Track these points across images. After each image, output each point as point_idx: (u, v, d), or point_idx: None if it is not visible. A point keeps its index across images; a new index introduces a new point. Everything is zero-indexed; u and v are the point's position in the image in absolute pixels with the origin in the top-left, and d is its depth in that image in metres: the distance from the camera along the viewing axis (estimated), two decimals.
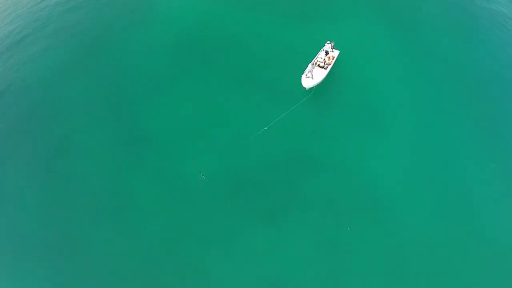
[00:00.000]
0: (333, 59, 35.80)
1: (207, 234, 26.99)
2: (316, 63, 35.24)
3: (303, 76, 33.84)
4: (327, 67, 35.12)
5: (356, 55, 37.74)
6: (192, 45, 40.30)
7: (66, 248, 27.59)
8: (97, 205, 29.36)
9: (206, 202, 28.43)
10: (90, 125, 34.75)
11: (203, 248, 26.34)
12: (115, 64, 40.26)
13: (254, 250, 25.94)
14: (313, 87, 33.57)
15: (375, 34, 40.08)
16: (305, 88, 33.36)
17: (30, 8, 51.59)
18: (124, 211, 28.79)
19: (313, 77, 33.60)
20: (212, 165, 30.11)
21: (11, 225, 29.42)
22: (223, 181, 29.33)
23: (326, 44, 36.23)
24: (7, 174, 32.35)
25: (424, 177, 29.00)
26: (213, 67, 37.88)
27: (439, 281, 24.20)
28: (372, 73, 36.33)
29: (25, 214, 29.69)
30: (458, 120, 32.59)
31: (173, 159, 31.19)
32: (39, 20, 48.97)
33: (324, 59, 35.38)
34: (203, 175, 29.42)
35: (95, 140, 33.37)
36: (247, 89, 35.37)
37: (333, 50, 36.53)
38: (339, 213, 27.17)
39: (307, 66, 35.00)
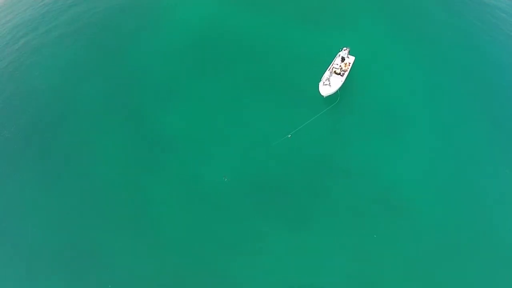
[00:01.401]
0: (349, 65, 35.56)
1: (231, 239, 27.03)
2: (332, 70, 35.01)
3: (321, 84, 33.60)
4: (343, 73, 34.91)
5: (371, 61, 37.63)
6: (207, 49, 39.84)
7: (84, 256, 27.34)
8: (116, 211, 29.08)
9: (229, 206, 28.45)
10: (105, 129, 34.24)
11: (227, 253, 26.41)
12: (128, 66, 39.57)
13: (280, 256, 26.08)
14: (331, 94, 33.41)
15: (389, 40, 39.99)
16: (322, 96, 33.14)
17: (33, 8, 50.16)
18: (144, 217, 28.57)
19: (330, 84, 33.39)
20: (234, 171, 30.01)
21: (26, 233, 28.96)
22: (247, 186, 29.34)
23: (342, 50, 35.88)
24: (20, 182, 31.71)
25: (444, 181, 29.45)
26: (229, 71, 37.52)
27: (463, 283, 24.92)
28: (388, 79, 36.34)
29: (39, 223, 29.23)
30: (475, 125, 32.98)
31: (193, 163, 31.02)
32: (44, 20, 47.79)
33: (340, 66, 35.14)
34: (225, 177, 29.42)
35: (111, 145, 32.93)
36: (265, 94, 35.14)
37: (349, 56, 36.26)
38: (363, 218, 27.54)
39: (323, 73, 34.82)
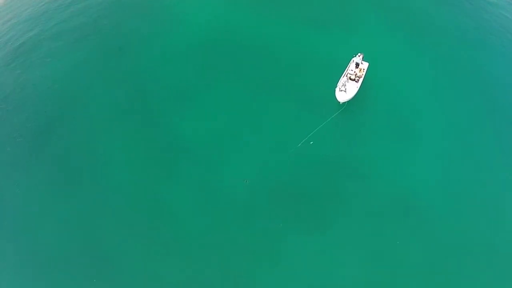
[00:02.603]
0: (363, 71, 35.52)
1: (251, 242, 26.56)
2: (347, 76, 34.90)
3: (337, 90, 33.49)
4: (358, 80, 34.84)
5: (384, 67, 37.55)
6: (219, 51, 39.30)
7: (99, 263, 26.45)
8: (131, 218, 28.23)
9: (248, 211, 28.00)
10: (117, 130, 33.33)
11: (247, 258, 25.95)
12: (135, 66, 38.64)
13: (301, 262, 25.61)
14: (348, 100, 33.28)
15: (402, 46, 40.08)
16: (339, 102, 33.02)
17: (34, 8, 48.83)
18: (161, 221, 27.88)
19: (346, 90, 33.28)
20: (253, 175, 29.56)
21: (36, 241, 27.87)
22: (266, 190, 28.88)
23: (356, 56, 35.82)
24: (31, 186, 30.62)
25: (462, 186, 29.48)
26: (243, 75, 36.98)
27: None
28: (402, 84, 36.33)
29: (52, 226, 28.28)
30: (488, 127, 33.20)
31: (210, 167, 30.44)
32: (46, 19, 46.52)
33: (354, 72, 35.06)
34: (246, 181, 29.00)
35: (124, 149, 32.00)
36: (279, 98, 34.78)
37: (363, 62, 36.22)
38: (384, 223, 27.34)
39: (337, 78, 34.68)
